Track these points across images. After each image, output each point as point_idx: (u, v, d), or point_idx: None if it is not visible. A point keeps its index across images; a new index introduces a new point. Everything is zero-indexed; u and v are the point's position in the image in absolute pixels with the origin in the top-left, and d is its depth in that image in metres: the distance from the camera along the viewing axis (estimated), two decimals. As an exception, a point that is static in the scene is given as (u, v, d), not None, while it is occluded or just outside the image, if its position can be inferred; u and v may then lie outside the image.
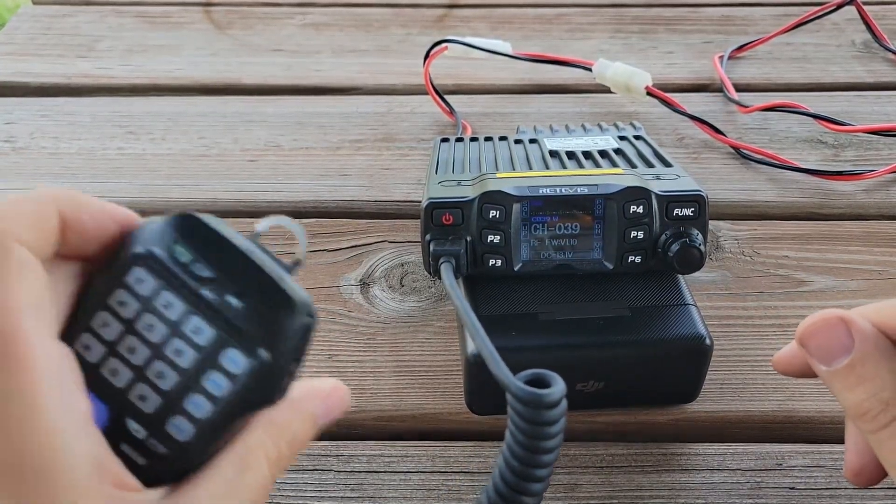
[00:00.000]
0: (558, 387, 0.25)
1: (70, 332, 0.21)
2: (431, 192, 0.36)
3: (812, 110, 0.54)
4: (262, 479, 0.21)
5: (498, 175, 0.37)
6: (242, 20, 0.72)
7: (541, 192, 0.35)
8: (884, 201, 0.49)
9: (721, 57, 0.64)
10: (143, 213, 0.23)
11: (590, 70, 0.59)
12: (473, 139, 0.46)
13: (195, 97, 0.61)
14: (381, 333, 0.40)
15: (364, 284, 0.43)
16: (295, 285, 0.22)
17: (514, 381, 0.25)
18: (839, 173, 0.50)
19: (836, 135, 0.55)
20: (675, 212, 0.35)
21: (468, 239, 0.35)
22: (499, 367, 0.26)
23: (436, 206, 0.35)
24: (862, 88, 0.61)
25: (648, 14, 0.73)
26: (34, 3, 0.75)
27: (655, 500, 0.33)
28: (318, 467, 0.34)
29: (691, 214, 0.35)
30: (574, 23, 0.71)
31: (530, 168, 0.40)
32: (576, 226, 0.35)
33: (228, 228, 0.22)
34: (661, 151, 0.41)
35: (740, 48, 0.65)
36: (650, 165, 0.40)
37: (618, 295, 0.35)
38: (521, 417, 0.25)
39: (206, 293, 0.21)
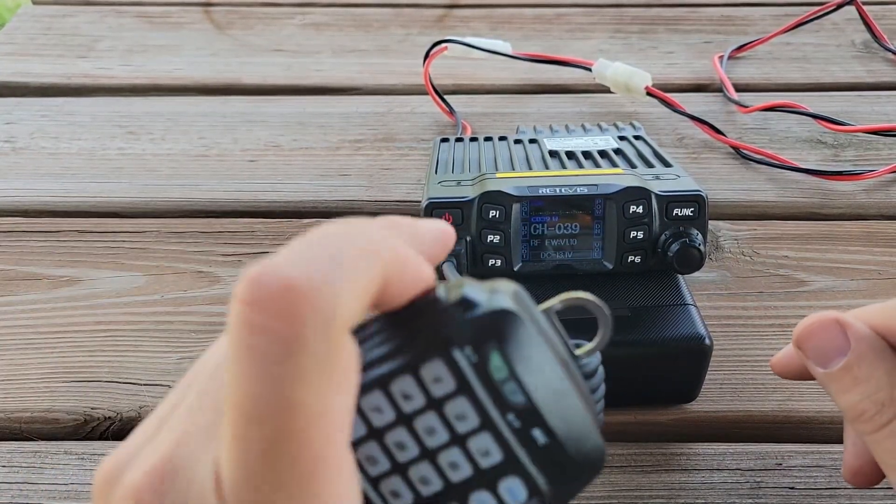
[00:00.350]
0: (594, 356, 0.24)
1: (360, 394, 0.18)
2: (431, 192, 0.36)
3: (812, 110, 0.54)
4: None
5: (498, 175, 0.37)
6: (242, 20, 0.72)
7: (540, 191, 0.35)
8: (884, 201, 0.49)
9: (721, 57, 0.63)
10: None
11: (590, 70, 0.59)
12: (473, 139, 0.46)
13: (195, 97, 0.61)
14: (381, 333, 0.40)
15: (364, 284, 0.43)
16: (595, 423, 0.20)
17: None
18: (839, 173, 0.50)
19: (835, 135, 0.55)
20: (674, 212, 0.35)
21: (468, 239, 0.35)
22: None
23: (435, 206, 0.35)
24: (862, 88, 0.61)
25: (648, 14, 0.73)
26: (34, 3, 0.75)
27: (655, 500, 0.33)
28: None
29: (691, 214, 0.35)
30: (574, 23, 0.71)
31: (530, 168, 0.40)
32: (575, 226, 0.35)
33: (541, 322, 0.19)
34: (661, 151, 0.41)
35: (740, 48, 0.65)
36: (650, 165, 0.40)
37: (617, 295, 0.35)
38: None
39: (511, 419, 0.18)
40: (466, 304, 0.18)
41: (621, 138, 0.45)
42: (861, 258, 0.45)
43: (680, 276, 0.37)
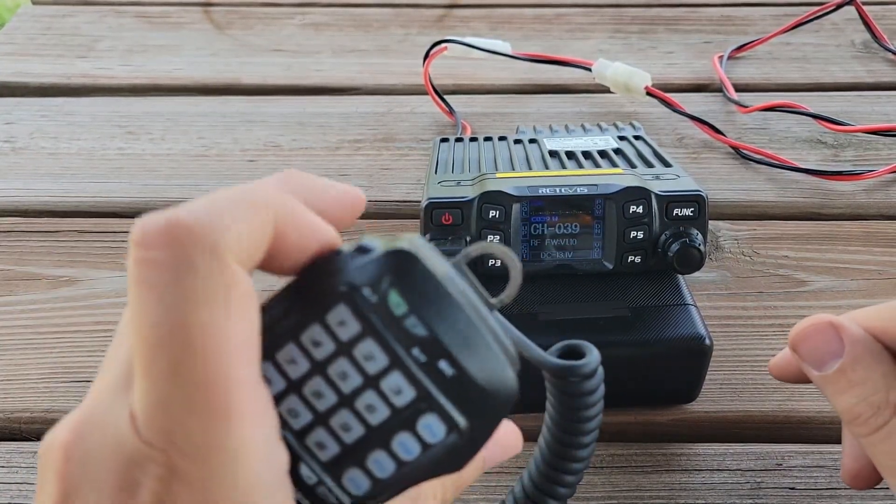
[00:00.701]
0: (593, 355, 0.25)
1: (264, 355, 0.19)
2: (431, 192, 0.36)
3: (812, 110, 0.54)
4: None
5: (497, 175, 0.37)
6: (242, 20, 0.72)
7: (540, 192, 0.35)
8: (883, 201, 0.49)
9: (721, 57, 0.63)
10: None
11: (589, 70, 0.59)
12: (473, 139, 0.46)
13: (195, 97, 0.61)
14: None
15: (364, 284, 0.43)
16: (506, 357, 0.20)
17: (547, 357, 0.25)
18: (839, 173, 0.50)
19: (835, 135, 0.55)
20: (674, 212, 0.35)
21: (468, 239, 0.35)
22: (528, 346, 0.26)
23: (435, 206, 0.35)
24: (861, 88, 0.61)
25: (648, 14, 0.73)
26: (34, 3, 0.75)
27: (655, 501, 0.33)
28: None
29: (691, 214, 0.35)
30: (574, 23, 0.71)
31: (530, 168, 0.40)
32: (575, 226, 0.35)
33: (443, 265, 0.20)
34: (661, 151, 0.41)
35: (740, 48, 0.65)
36: (650, 165, 0.40)
37: (617, 295, 0.35)
38: (561, 391, 0.25)
39: (417, 353, 0.19)
40: (363, 249, 0.19)
41: (621, 138, 0.45)
42: (861, 258, 0.45)
43: (680, 276, 0.37)
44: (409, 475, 0.19)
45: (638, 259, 0.35)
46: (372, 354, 0.19)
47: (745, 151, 0.53)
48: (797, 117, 0.56)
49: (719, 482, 0.33)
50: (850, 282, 0.43)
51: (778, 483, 0.33)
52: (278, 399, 0.19)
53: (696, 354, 0.34)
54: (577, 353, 0.26)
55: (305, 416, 0.19)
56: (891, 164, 0.51)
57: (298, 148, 0.55)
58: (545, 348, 0.33)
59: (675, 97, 0.55)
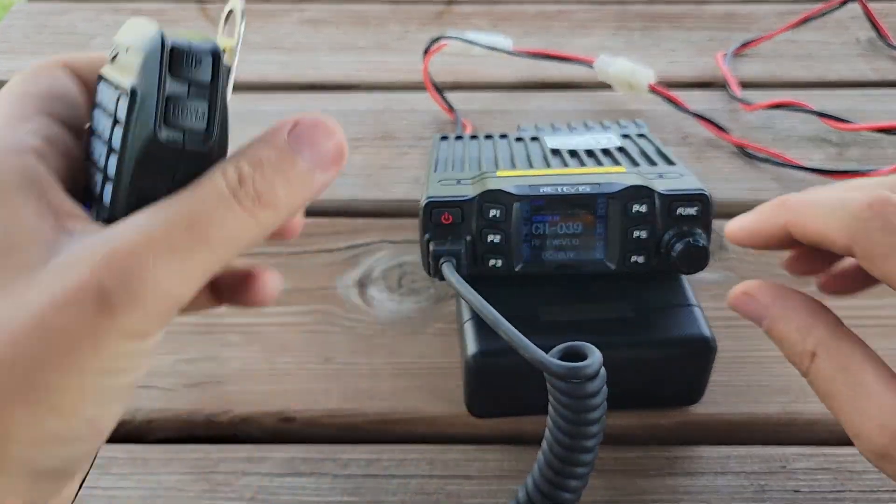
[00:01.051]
0: (595, 357, 0.25)
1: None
2: (431, 190, 0.35)
3: (816, 108, 0.53)
4: (216, 195, 0.21)
5: (498, 173, 0.37)
6: (240, 17, 0.71)
7: (542, 190, 0.34)
8: (889, 200, 0.49)
9: (725, 54, 0.63)
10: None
11: (591, 67, 0.58)
12: (473, 137, 0.45)
13: (192, 94, 0.60)
14: (379, 335, 0.40)
15: (362, 285, 0.43)
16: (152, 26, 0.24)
17: (549, 359, 0.25)
18: (844, 172, 0.50)
19: (840, 133, 0.54)
20: (678, 211, 0.34)
21: (468, 238, 0.34)
22: (529, 348, 0.26)
23: (435, 206, 0.34)
24: (867, 86, 0.61)
25: (651, 10, 0.72)
26: (29, 1, 0.74)
27: (658, 505, 0.32)
28: (314, 471, 0.34)
29: (695, 213, 0.34)
30: (576, 19, 0.71)
31: (531, 166, 0.40)
32: (578, 225, 0.35)
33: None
34: (665, 149, 0.41)
35: (744, 45, 0.65)
36: (653, 164, 0.39)
37: (620, 295, 0.35)
38: (564, 393, 0.25)
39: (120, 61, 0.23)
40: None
41: (624, 136, 0.44)
42: (867, 258, 0.44)
43: (683, 276, 0.36)
44: (128, 160, 0.21)
45: (641, 259, 0.35)
46: (109, 97, 0.22)
47: (749, 150, 0.52)
48: (802, 115, 0.55)
49: (723, 485, 0.33)
50: (855, 282, 0.43)
51: (782, 486, 0.33)
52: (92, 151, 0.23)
53: (699, 356, 0.33)
54: (579, 355, 0.25)
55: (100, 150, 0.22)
56: (895, 162, 0.50)
57: (297, 146, 0.54)
58: (547, 350, 0.33)
59: (678, 94, 0.55)
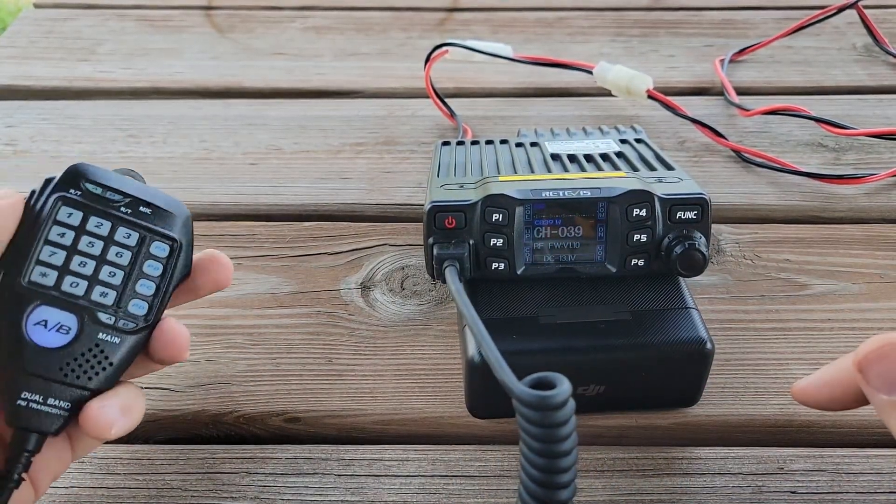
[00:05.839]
0: (563, 387, 0.24)
1: (23, 270, 0.27)
2: (434, 195, 0.36)
3: (813, 114, 0.54)
4: None
5: (500, 178, 0.37)
6: (244, 23, 0.72)
7: (543, 195, 0.35)
8: (885, 205, 0.49)
9: (722, 60, 0.64)
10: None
11: (591, 73, 0.59)
12: (474, 142, 0.46)
13: (196, 100, 0.61)
14: (382, 337, 0.40)
15: (365, 288, 0.43)
16: (179, 202, 0.31)
17: (518, 385, 0.25)
18: (840, 177, 0.50)
19: (837, 138, 0.55)
20: (678, 215, 0.35)
21: (471, 242, 0.35)
22: (503, 372, 0.26)
23: (438, 210, 0.35)
24: (863, 92, 0.61)
25: (649, 17, 0.73)
26: (35, 7, 0.75)
27: (657, 504, 0.33)
28: (318, 471, 0.34)
29: (694, 217, 0.35)
30: (575, 26, 0.71)
31: (532, 171, 0.40)
32: (578, 229, 0.35)
33: (101, 168, 0.29)
34: (663, 154, 0.41)
35: (741, 51, 0.65)
36: (652, 168, 0.40)
37: (619, 298, 0.35)
38: (530, 421, 0.24)
39: (124, 209, 0.29)
40: (47, 181, 0.29)
41: (623, 141, 0.45)
42: (863, 262, 0.45)
43: (681, 279, 0.37)
44: (164, 287, 0.29)
45: (641, 262, 0.35)
46: (99, 223, 0.28)
47: (746, 155, 0.53)
48: (799, 120, 0.56)
49: (721, 486, 0.33)
50: (851, 285, 0.43)
51: (779, 487, 0.33)
52: (57, 283, 0.27)
53: (697, 358, 0.34)
54: (549, 386, 0.25)
55: (83, 283, 0.28)
56: (892, 167, 0.51)
57: (300, 151, 0.55)
58: (546, 351, 0.34)
59: (676, 100, 0.55)
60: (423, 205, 0.36)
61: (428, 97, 0.57)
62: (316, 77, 0.64)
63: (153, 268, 0.29)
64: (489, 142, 0.45)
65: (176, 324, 0.29)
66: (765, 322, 0.41)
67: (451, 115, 0.57)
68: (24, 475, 0.27)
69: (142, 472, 0.34)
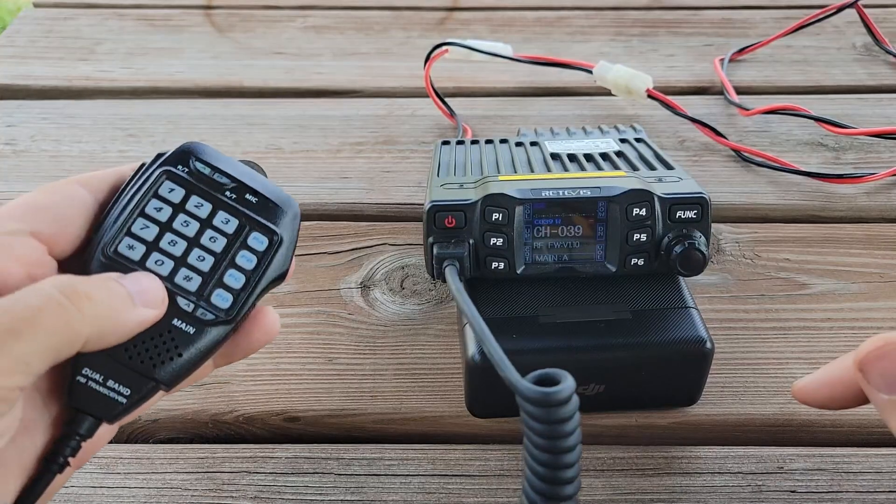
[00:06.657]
0: (567, 383, 0.24)
1: (112, 239, 0.26)
2: (434, 194, 0.36)
3: (813, 113, 0.54)
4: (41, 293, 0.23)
5: (500, 178, 0.37)
6: (243, 23, 0.72)
7: (543, 194, 0.35)
8: (885, 204, 0.49)
9: (722, 60, 0.64)
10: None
11: (590, 72, 0.59)
12: (474, 142, 0.46)
13: (196, 100, 0.61)
14: (382, 336, 0.40)
15: (364, 287, 0.43)
16: (287, 195, 0.29)
17: (522, 382, 0.25)
18: (840, 176, 0.50)
19: (837, 137, 0.55)
20: (677, 214, 0.35)
21: (471, 242, 0.35)
22: (507, 369, 0.26)
23: (438, 209, 0.35)
24: (863, 91, 0.61)
25: (649, 17, 0.73)
26: (35, 6, 0.75)
27: (657, 504, 0.33)
28: (317, 470, 0.34)
29: (694, 217, 0.35)
30: (575, 25, 0.71)
31: (532, 171, 0.40)
32: (578, 228, 0.35)
33: (215, 150, 0.29)
34: (663, 154, 0.41)
35: (741, 51, 0.65)
36: (652, 168, 0.40)
37: (618, 297, 0.35)
38: (534, 418, 0.24)
39: (228, 194, 0.28)
40: (159, 155, 0.28)
41: (622, 141, 0.45)
42: (862, 261, 0.45)
43: (681, 278, 0.37)
44: (255, 282, 0.27)
45: (641, 262, 0.35)
46: (199, 203, 0.27)
47: (746, 154, 0.53)
48: (798, 120, 0.56)
49: (720, 485, 0.33)
50: (851, 284, 0.43)
51: (779, 486, 0.33)
52: (144, 258, 0.26)
53: (697, 357, 0.34)
54: (552, 382, 0.25)
55: (168, 263, 0.26)
56: (892, 166, 0.51)
57: (299, 150, 0.55)
58: (546, 351, 0.34)
59: (676, 100, 0.55)
60: (422, 204, 0.36)
61: (428, 96, 0.57)
62: (315, 76, 0.64)
63: (247, 259, 0.27)
64: (489, 141, 0.45)
65: (272, 311, 0.28)
66: (764, 321, 0.41)
67: (451, 114, 0.57)
68: (69, 460, 0.25)
69: (142, 472, 0.34)
